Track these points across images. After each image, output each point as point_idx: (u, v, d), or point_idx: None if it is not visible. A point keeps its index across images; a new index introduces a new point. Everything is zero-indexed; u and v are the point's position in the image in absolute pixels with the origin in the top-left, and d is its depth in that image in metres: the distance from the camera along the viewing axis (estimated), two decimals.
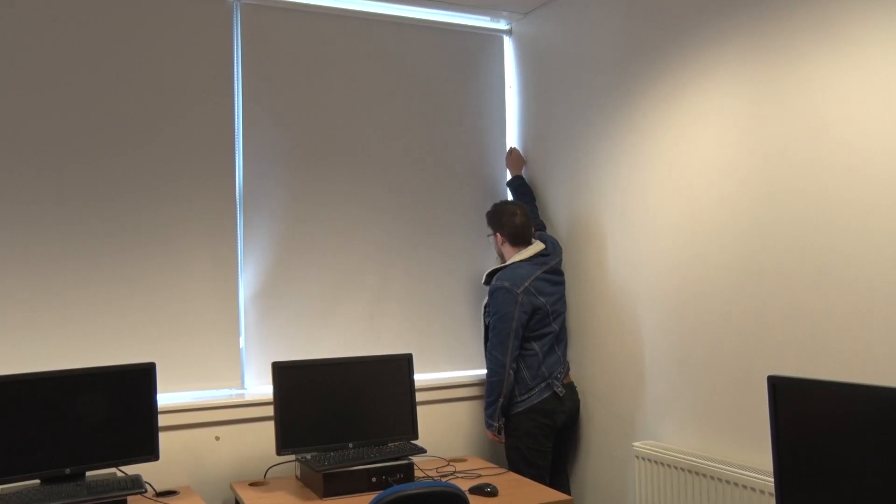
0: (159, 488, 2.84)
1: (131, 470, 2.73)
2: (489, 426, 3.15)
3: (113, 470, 2.69)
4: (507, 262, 3.24)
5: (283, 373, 2.85)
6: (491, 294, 3.17)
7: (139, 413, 2.66)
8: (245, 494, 2.73)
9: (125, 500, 2.48)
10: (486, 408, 3.15)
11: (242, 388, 3.18)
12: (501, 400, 3.11)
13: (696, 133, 2.75)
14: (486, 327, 3.24)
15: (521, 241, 3.29)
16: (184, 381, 3.06)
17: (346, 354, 3.31)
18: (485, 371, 3.35)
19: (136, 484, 2.53)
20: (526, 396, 3.15)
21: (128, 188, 3.02)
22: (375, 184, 3.47)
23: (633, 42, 3.04)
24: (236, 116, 3.23)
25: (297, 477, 2.95)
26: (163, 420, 2.84)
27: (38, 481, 2.51)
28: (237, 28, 3.25)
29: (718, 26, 2.65)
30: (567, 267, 3.43)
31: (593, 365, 3.28)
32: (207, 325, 3.11)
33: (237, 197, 3.21)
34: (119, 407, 2.63)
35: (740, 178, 2.57)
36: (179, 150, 3.11)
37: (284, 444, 2.81)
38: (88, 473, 2.61)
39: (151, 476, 2.84)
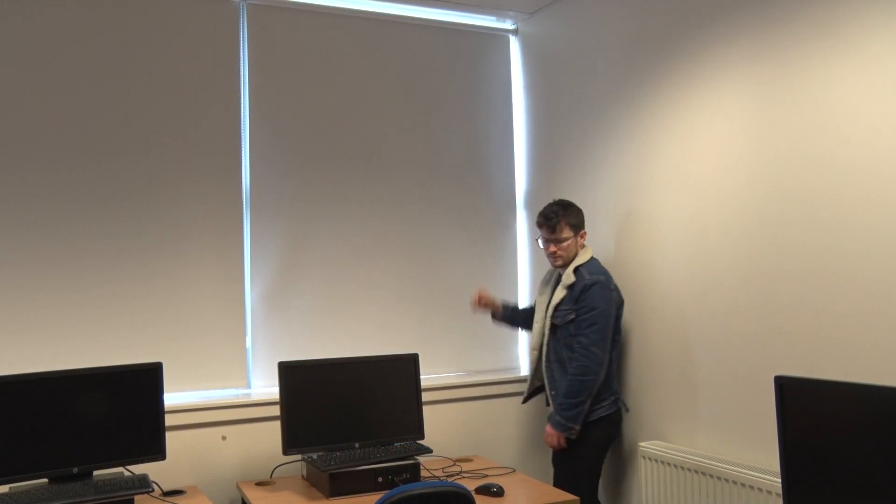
0: (166, 488, 2.85)
1: (138, 469, 2.74)
2: (567, 429, 2.91)
3: (120, 469, 2.70)
4: (587, 258, 3.00)
5: (290, 372, 2.85)
6: (586, 289, 2.90)
7: (146, 413, 2.66)
8: (251, 494, 2.73)
9: (132, 500, 2.49)
10: (569, 408, 2.88)
11: (249, 387, 3.18)
12: (589, 402, 2.90)
13: (703, 132, 2.74)
14: (554, 326, 3.01)
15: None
16: (190, 380, 3.06)
17: (353, 354, 3.31)
18: (483, 373, 3.33)
19: (143, 483, 2.53)
20: (598, 406, 2.94)
21: (135, 189, 3.02)
22: (381, 184, 3.47)
23: (640, 41, 3.03)
24: (243, 117, 3.24)
25: (303, 477, 2.96)
26: (169, 420, 2.84)
27: (45, 480, 2.52)
28: (243, 29, 3.26)
29: (726, 25, 2.64)
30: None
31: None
32: (214, 325, 3.12)
33: (244, 197, 3.22)
34: (126, 406, 2.63)
35: (747, 176, 2.56)
36: (186, 150, 3.12)
37: (291, 443, 2.81)
38: (96, 473, 2.61)
39: (158, 475, 2.85)
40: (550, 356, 3.04)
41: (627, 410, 3.09)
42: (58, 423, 2.53)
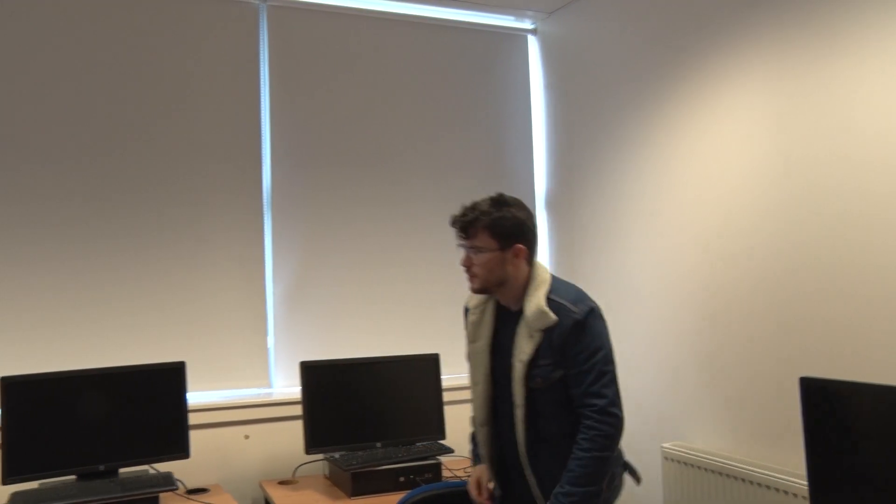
0: (190, 486, 2.87)
1: (163, 468, 2.77)
2: None
3: (145, 467, 2.73)
4: (547, 283, 2.12)
5: (311, 372, 2.87)
6: (581, 327, 2.04)
7: (170, 411, 2.69)
8: (274, 493, 2.75)
9: (157, 497, 2.51)
10: (588, 499, 2.01)
11: (270, 387, 3.20)
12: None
13: (724, 133, 2.73)
14: (530, 392, 2.09)
15: (534, 257, 2.19)
16: (213, 380, 3.09)
17: (374, 354, 3.32)
18: None
19: (167, 481, 2.56)
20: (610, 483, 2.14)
21: (158, 190, 3.05)
22: (400, 185, 3.49)
23: (661, 40, 3.02)
24: (263, 117, 3.26)
25: (325, 476, 2.97)
26: (193, 418, 2.87)
27: (74, 477, 2.56)
28: (264, 30, 3.28)
29: (746, 25, 2.63)
30: (595, 268, 3.42)
31: (619, 365, 3.25)
32: (236, 324, 3.15)
33: (264, 197, 3.24)
34: (151, 405, 2.66)
35: (769, 177, 2.55)
36: (207, 151, 3.14)
37: (313, 443, 2.83)
38: (121, 470, 2.64)
39: (182, 474, 2.87)
40: (532, 436, 2.11)
41: (639, 482, 2.33)
42: (85, 422, 2.56)
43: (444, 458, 2.98)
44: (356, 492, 2.68)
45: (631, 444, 3.20)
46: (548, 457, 2.10)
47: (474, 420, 2.28)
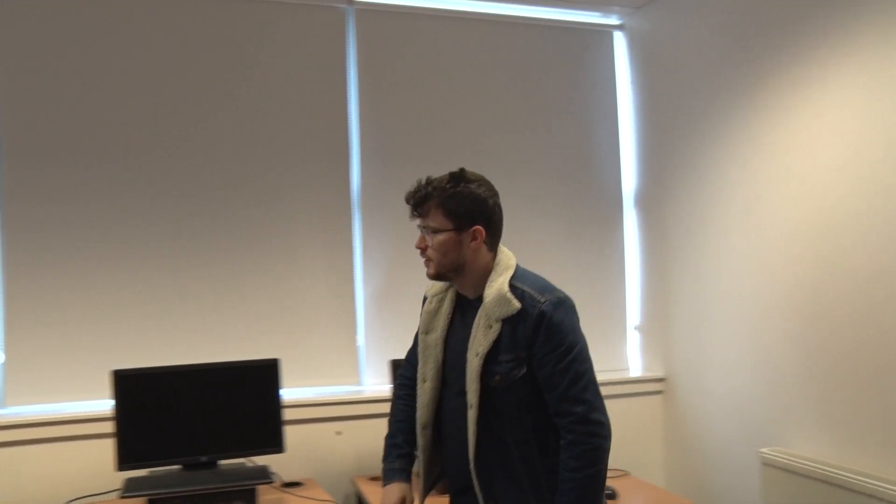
0: (285, 479, 2.95)
1: (259, 461, 2.85)
2: None
3: (243, 460, 2.81)
4: (511, 270, 1.88)
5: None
6: (546, 318, 1.79)
7: (266, 406, 2.77)
8: (366, 488, 2.79)
9: (254, 489, 2.59)
10: None
11: (361, 385, 3.25)
12: None
13: (820, 128, 2.62)
14: (489, 390, 1.82)
15: (499, 242, 1.95)
16: (305, 377, 3.16)
17: None
18: None
19: (263, 474, 2.64)
20: None
21: (250, 190, 3.15)
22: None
23: (753, 34, 2.93)
24: (351, 119, 3.32)
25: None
26: (287, 414, 2.94)
27: (179, 466, 2.66)
28: (351, 32, 3.34)
29: (841, 16, 2.52)
30: (687, 268, 3.34)
31: (713, 367, 3.18)
32: (327, 323, 3.21)
33: (353, 197, 3.29)
34: (248, 400, 2.75)
35: (867, 173, 2.43)
36: (296, 153, 3.22)
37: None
38: (220, 462, 2.73)
39: (277, 467, 2.94)
40: (484, 446, 1.84)
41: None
42: (188, 414, 2.66)
43: None
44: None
45: (725, 448, 3.12)
46: (499, 466, 1.84)
47: (419, 421, 1.96)
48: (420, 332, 2.00)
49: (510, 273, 1.86)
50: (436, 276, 1.91)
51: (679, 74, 3.38)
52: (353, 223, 3.29)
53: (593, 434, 1.75)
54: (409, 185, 3.30)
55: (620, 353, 3.67)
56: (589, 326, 3.48)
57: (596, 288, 3.62)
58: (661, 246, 3.53)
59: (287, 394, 3.04)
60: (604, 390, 3.22)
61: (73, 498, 2.69)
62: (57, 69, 2.94)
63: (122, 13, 3.02)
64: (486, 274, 1.87)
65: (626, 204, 3.74)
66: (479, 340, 1.81)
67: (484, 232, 1.86)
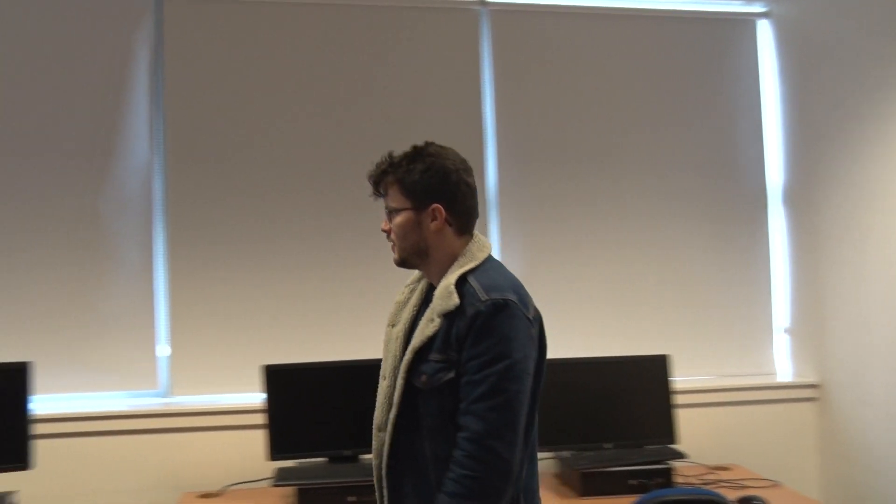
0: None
1: None
2: None
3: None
4: (476, 262, 1.68)
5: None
6: (480, 320, 1.56)
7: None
8: None
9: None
10: None
11: None
12: None
13: None
14: (413, 390, 1.63)
15: (473, 226, 1.76)
16: None
17: (601, 354, 3.27)
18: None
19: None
20: None
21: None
22: (624, 180, 3.41)
23: None
24: (486, 118, 3.34)
25: (554, 474, 2.98)
26: None
27: (325, 459, 2.78)
28: (485, 34, 3.36)
29: None
30: (845, 266, 3.12)
31: (875, 373, 2.96)
32: None
33: (489, 197, 3.31)
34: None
35: None
36: None
37: (542, 441, 2.83)
38: (362, 456, 2.80)
39: None
40: (402, 456, 1.65)
41: None
42: (335, 409, 2.77)
43: (676, 464, 2.88)
44: (586, 492, 2.67)
45: (888, 459, 2.90)
46: (412, 485, 1.63)
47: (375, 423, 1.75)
48: (388, 324, 1.80)
49: (473, 265, 1.65)
50: (400, 263, 1.75)
51: (832, 63, 3.18)
52: (490, 222, 3.31)
53: (482, 461, 1.49)
54: (548, 185, 3.35)
55: (766, 358, 3.49)
56: (731, 329, 3.40)
57: (739, 288, 3.46)
58: (813, 244, 3.33)
59: None
60: (749, 396, 3.02)
61: (230, 483, 2.86)
62: (217, 77, 3.14)
63: (267, 23, 3.19)
64: (452, 261, 1.68)
65: (772, 201, 3.55)
66: (417, 335, 1.64)
67: (444, 211, 1.67)
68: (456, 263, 1.67)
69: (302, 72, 3.20)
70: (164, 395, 3.04)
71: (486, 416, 1.51)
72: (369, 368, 2.76)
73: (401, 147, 3.18)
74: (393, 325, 1.76)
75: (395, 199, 1.71)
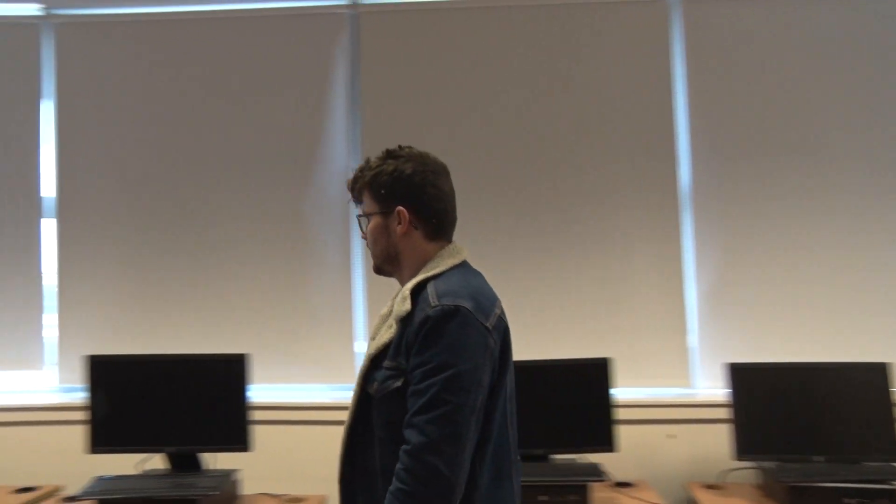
0: (616, 478, 2.94)
1: (590, 458, 2.87)
2: None
3: (574, 456, 2.86)
4: (441, 268, 1.62)
5: (741, 375, 2.73)
6: (426, 327, 1.50)
7: (596, 405, 2.78)
8: (702, 496, 2.67)
9: (586, 486, 2.61)
10: None
11: (692, 387, 3.12)
12: None
13: None
14: (368, 397, 1.60)
15: (447, 231, 1.70)
16: (634, 376, 3.12)
17: (809, 359, 3.03)
18: None
19: (596, 471, 2.65)
20: None
21: (571, 186, 3.19)
22: (821, 176, 3.13)
23: None
24: (678, 113, 3.20)
25: (756, 485, 2.80)
26: (618, 413, 2.93)
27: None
28: (677, 24, 3.22)
29: None
30: None
31: None
32: (654, 323, 3.14)
33: (681, 194, 3.17)
34: (580, 398, 2.78)
35: None
36: (620, 151, 3.19)
37: (743, 449, 2.69)
38: (552, 456, 2.80)
39: (608, 466, 2.95)
40: (356, 466, 1.62)
41: None
42: (525, 408, 2.78)
43: None
44: None
45: None
46: (363, 497, 1.59)
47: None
48: (369, 337, 1.78)
49: (436, 271, 1.59)
50: (376, 270, 1.72)
51: None
52: (682, 220, 3.17)
53: (419, 477, 1.41)
54: (747, 181, 3.15)
55: None
56: None
57: None
58: None
59: (618, 393, 3.04)
60: None
61: None
62: (409, 83, 3.26)
63: (456, 29, 3.27)
64: (422, 267, 1.64)
65: None
66: (374, 342, 1.62)
67: (407, 214, 1.62)
68: (423, 269, 1.63)
69: (492, 74, 3.25)
70: None
71: (425, 428, 1.44)
72: (555, 369, 2.80)
73: (593, 144, 3.17)
74: (373, 339, 1.69)
75: (367, 203, 1.69)
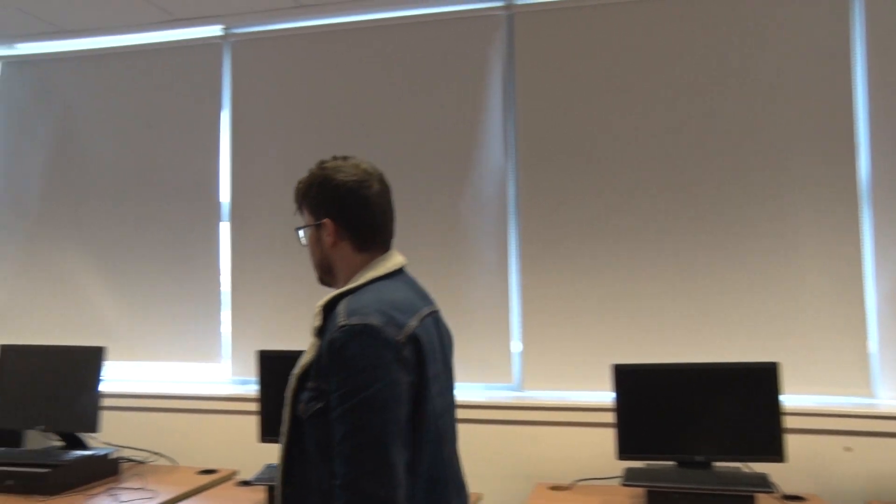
0: (785, 491, 2.78)
1: (756, 468, 2.73)
2: None
3: (739, 464, 2.73)
4: (359, 282, 1.61)
5: None
6: (338, 346, 1.48)
7: (764, 412, 2.64)
8: None
9: (752, 497, 2.49)
10: None
11: (873, 397, 2.89)
12: None
13: None
14: (297, 419, 1.57)
15: (378, 242, 1.69)
16: (807, 383, 2.93)
17: None
18: None
19: (764, 482, 2.52)
20: None
21: (740, 186, 3.04)
22: None
23: None
24: (858, 107, 2.97)
25: None
26: (788, 422, 2.77)
27: (674, 463, 2.71)
28: (858, 10, 2.99)
29: None
30: None
31: None
32: (829, 326, 2.93)
33: (861, 190, 2.95)
34: (745, 403, 2.65)
35: None
36: (794, 145, 3.01)
37: None
38: (715, 464, 2.69)
39: (776, 477, 2.79)
40: (295, 479, 1.59)
41: None
42: (685, 412, 2.69)
43: None
44: None
45: None
46: None
47: None
48: None
49: (353, 285, 1.59)
50: (320, 282, 1.73)
51: None
52: (862, 218, 2.95)
53: (354, 498, 1.39)
54: None
55: None
56: None
57: None
58: None
59: (788, 400, 2.87)
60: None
61: (580, 478, 2.93)
62: (563, 82, 3.25)
63: (612, 25, 3.21)
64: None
65: None
66: (300, 360, 1.59)
67: (333, 225, 1.64)
68: (351, 281, 1.63)
69: (650, 71, 3.16)
70: (517, 389, 3.22)
71: (352, 457, 1.42)
72: (721, 372, 2.68)
73: (764, 140, 3.03)
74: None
75: (305, 215, 1.71)
